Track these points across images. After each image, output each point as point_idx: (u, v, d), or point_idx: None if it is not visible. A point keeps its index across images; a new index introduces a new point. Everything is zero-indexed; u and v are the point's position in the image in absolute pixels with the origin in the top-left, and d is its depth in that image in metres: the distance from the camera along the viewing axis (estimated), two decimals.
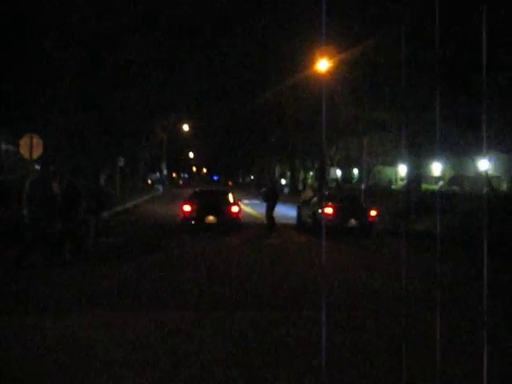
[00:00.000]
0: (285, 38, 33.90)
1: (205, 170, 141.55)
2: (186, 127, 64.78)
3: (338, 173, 59.08)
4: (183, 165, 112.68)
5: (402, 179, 67.55)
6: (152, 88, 39.82)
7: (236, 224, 18.10)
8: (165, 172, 64.58)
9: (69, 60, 23.48)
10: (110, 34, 26.96)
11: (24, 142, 15.25)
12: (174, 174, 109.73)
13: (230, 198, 19.01)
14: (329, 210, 17.66)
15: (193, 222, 17.72)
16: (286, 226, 20.63)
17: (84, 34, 24.26)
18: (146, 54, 34.26)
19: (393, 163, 57.36)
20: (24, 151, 15.30)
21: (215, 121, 65.66)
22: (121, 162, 35.14)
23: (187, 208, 17.93)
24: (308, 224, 19.39)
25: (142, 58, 33.66)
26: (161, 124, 56.51)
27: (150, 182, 62.07)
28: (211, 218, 17.60)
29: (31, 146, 15.06)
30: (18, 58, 20.83)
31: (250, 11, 35.17)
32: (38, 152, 15.40)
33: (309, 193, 33.51)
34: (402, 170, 67.71)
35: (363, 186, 36.98)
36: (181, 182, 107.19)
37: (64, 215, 10.88)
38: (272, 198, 20.16)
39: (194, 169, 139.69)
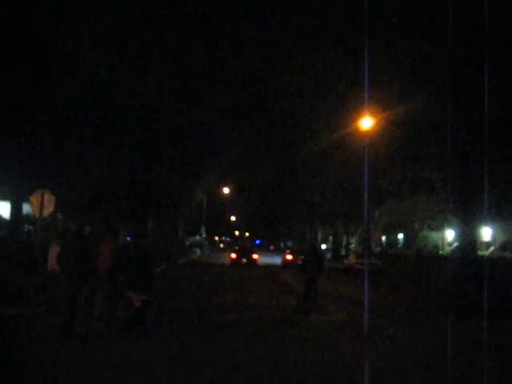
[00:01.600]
0: (326, 95, 32.81)
1: (247, 234, 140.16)
2: (226, 190, 64.22)
3: (383, 238, 56.64)
4: (225, 228, 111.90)
5: (449, 244, 64.22)
6: (190, 149, 39.53)
7: (256, 263, 39.17)
8: (204, 235, 63.51)
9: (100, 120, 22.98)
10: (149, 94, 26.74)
11: (35, 199, 14.14)
12: (216, 238, 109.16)
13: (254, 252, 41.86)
14: None
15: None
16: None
17: (121, 90, 23.77)
18: (188, 115, 34.15)
19: (439, 228, 54.22)
20: (35, 208, 14.19)
21: (255, 183, 64.82)
22: (151, 222, 34.08)
23: (233, 255, 40.70)
24: None
25: (182, 119, 33.46)
26: (200, 186, 56.18)
27: (187, 244, 60.85)
28: (244, 259, 39.21)
29: (42, 203, 13.95)
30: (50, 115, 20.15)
31: (293, 68, 34.35)
32: (49, 209, 14.29)
33: (352, 259, 31.49)
34: (450, 234, 64.64)
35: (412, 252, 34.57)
36: (222, 245, 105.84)
37: (140, 283, 9.73)
38: (312, 266, 15.41)
39: (237, 232, 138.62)
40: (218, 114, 38.18)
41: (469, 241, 22.04)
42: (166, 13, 25.50)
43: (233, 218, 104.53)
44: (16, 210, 20.06)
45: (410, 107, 23.40)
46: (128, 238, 24.17)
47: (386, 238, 58.97)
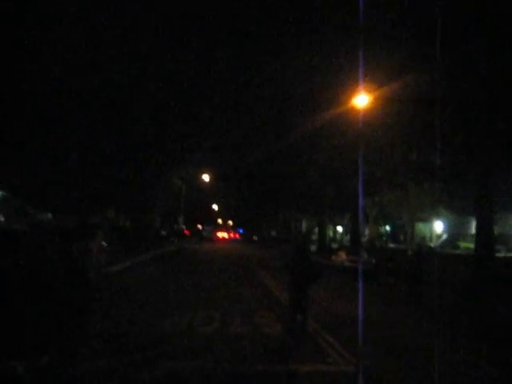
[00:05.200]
0: (313, 74, 29.24)
1: (230, 223, 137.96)
2: (206, 177, 60.57)
3: (366, 230, 53.56)
4: (208, 217, 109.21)
5: (438, 236, 61.30)
6: (166, 133, 36.24)
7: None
8: (181, 224, 59.96)
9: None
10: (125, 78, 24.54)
11: None
12: (200, 227, 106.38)
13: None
14: None
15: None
16: None
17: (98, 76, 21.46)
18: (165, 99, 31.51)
19: (428, 219, 51.07)
20: None
21: (238, 169, 61.37)
22: (111, 213, 30.27)
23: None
24: None
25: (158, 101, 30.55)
26: (178, 173, 52.68)
27: (164, 234, 57.10)
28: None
29: None
30: None
31: (272, 52, 30.91)
32: None
33: (342, 255, 28.04)
34: (438, 226, 61.77)
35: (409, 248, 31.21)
36: (204, 234, 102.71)
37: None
38: (300, 267, 10.52)
39: (220, 221, 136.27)
40: (199, 95, 35.55)
41: (486, 236, 18.50)
42: None
43: (215, 207, 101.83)
44: None
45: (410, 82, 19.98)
46: None
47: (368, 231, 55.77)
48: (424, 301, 16.11)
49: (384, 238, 63.19)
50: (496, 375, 8.57)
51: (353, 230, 41.94)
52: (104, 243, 17.16)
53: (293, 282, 10.38)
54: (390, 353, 9.46)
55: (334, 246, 51.61)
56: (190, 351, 8.85)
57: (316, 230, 64.29)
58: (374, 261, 26.01)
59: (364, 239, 47.31)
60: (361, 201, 17.07)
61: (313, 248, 49.58)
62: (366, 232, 53.73)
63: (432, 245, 48.87)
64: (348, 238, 76.39)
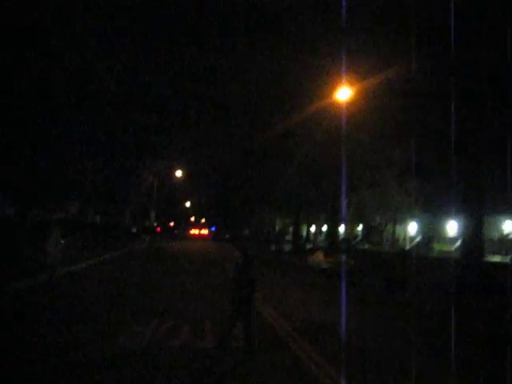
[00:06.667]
0: (293, 70, 27.99)
1: (203, 220, 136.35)
2: (179, 173, 58.85)
3: (341, 230, 52.52)
4: (180, 215, 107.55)
5: (412, 239, 60.78)
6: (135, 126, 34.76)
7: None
8: (154, 221, 58.17)
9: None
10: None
11: None
12: (171, 224, 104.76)
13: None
14: None
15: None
16: None
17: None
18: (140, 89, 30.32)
19: (401, 221, 50.33)
20: None
21: (212, 166, 59.98)
22: (74, 208, 28.46)
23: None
24: None
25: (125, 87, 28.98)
26: (150, 169, 51.06)
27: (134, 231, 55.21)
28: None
29: None
30: None
31: (257, 38, 29.61)
32: None
33: (319, 256, 26.84)
34: (412, 228, 61.32)
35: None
36: (175, 231, 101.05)
37: None
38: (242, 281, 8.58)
39: (193, 219, 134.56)
40: (175, 91, 34.29)
41: (474, 238, 17.40)
42: None
43: (188, 204, 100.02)
44: None
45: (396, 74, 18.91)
46: None
47: (344, 231, 54.81)
48: (410, 308, 14.99)
49: (359, 239, 62.44)
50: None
51: (330, 231, 40.85)
52: (62, 241, 15.64)
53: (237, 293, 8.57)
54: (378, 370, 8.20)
55: (309, 246, 50.45)
56: (155, 372, 7.44)
57: (290, 229, 63.11)
58: (352, 262, 24.89)
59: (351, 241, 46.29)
60: (343, 199, 15.87)
61: (287, 248, 48.39)
62: (342, 232, 52.78)
63: (408, 247, 48.25)
64: (322, 238, 75.57)
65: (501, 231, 48.94)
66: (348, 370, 7.93)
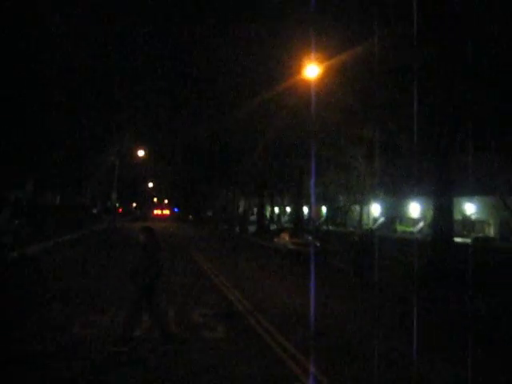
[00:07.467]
0: (263, 45, 27.21)
1: (166, 201, 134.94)
2: (141, 153, 57.31)
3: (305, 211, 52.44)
4: (143, 195, 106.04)
5: (375, 220, 61.31)
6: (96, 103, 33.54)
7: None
8: (115, 202, 56.69)
9: None
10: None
11: None
12: (134, 205, 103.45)
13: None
14: None
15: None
16: None
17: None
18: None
19: (364, 202, 50.30)
20: None
21: (176, 146, 58.75)
22: (29, 187, 27.14)
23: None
24: None
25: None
26: (112, 147, 49.57)
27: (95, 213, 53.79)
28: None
29: None
30: None
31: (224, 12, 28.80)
32: None
33: (285, 237, 26.43)
34: (375, 209, 61.86)
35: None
36: (138, 212, 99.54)
37: None
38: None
39: (155, 200, 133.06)
40: (140, 66, 33.35)
41: (444, 218, 17.15)
42: None
43: (150, 185, 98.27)
44: None
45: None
46: None
47: (308, 212, 54.74)
48: (379, 290, 14.69)
49: (323, 220, 62.57)
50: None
51: (295, 212, 40.53)
52: (16, 221, 14.70)
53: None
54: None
55: (273, 227, 50.16)
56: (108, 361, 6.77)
57: (254, 210, 62.76)
58: (318, 244, 24.56)
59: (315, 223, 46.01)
60: (312, 180, 15.36)
61: (251, 229, 47.92)
62: (306, 213, 52.67)
63: (372, 227, 48.42)
64: (286, 219, 75.61)
65: (462, 213, 49.81)
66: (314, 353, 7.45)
